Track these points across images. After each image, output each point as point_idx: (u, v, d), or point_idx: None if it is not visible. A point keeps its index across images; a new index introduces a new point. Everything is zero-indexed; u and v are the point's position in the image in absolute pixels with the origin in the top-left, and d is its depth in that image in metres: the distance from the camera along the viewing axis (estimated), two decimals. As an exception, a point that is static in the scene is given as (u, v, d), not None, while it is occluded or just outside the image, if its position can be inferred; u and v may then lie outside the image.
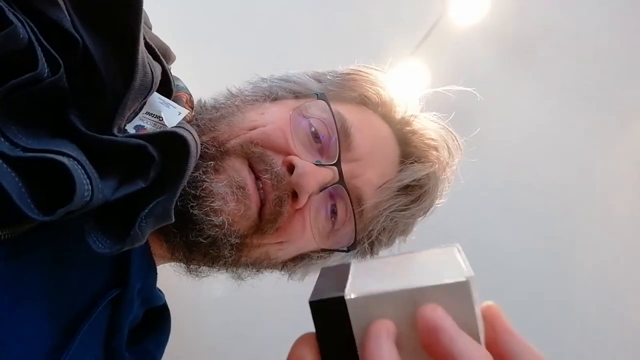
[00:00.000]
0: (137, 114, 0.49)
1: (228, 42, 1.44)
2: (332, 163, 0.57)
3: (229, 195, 0.52)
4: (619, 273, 1.38)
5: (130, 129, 0.48)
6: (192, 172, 0.50)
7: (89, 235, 0.42)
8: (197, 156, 0.49)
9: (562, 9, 1.44)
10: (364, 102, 0.66)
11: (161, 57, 0.51)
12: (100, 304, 0.48)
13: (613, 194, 1.42)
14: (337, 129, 0.58)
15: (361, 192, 0.60)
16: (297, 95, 0.64)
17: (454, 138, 0.68)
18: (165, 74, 0.52)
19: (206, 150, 0.54)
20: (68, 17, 0.42)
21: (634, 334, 1.35)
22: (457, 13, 1.33)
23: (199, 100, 0.64)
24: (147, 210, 0.43)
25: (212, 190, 0.52)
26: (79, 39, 0.42)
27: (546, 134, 1.44)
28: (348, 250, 0.62)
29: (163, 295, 0.58)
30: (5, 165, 0.38)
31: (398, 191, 0.62)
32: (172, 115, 0.50)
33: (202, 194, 0.52)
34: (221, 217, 0.52)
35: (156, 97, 0.50)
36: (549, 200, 1.42)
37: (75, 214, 0.40)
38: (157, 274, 0.55)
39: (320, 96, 0.61)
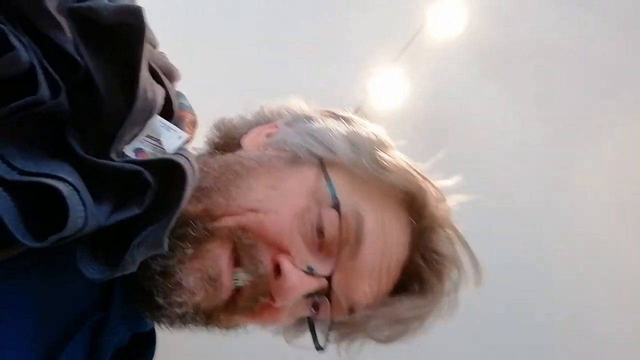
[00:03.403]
0: (136, 136, 0.49)
1: (215, 49, 1.45)
2: (325, 274, 0.53)
3: (198, 289, 0.50)
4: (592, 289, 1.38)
5: (130, 151, 0.48)
6: (166, 259, 0.48)
7: (81, 261, 0.42)
8: (193, 184, 0.48)
9: (538, 22, 1.45)
10: (395, 194, 0.57)
11: (164, 79, 0.51)
12: (83, 327, 0.48)
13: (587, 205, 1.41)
14: (340, 241, 0.53)
15: (353, 303, 0.56)
16: (322, 163, 0.56)
17: (476, 266, 0.60)
18: (168, 96, 0.52)
19: (192, 230, 0.50)
20: (72, 40, 0.42)
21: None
22: (435, 25, 1.36)
23: (221, 124, 0.62)
24: (139, 238, 0.43)
25: (182, 284, 0.49)
26: (82, 62, 0.42)
27: (523, 146, 1.45)
28: (317, 349, 0.58)
29: (151, 322, 0.57)
30: (0, 189, 0.38)
31: (389, 317, 0.58)
32: (172, 139, 0.50)
33: (170, 286, 0.49)
34: (184, 308, 0.50)
35: (157, 120, 0.50)
36: (524, 214, 1.42)
37: (68, 240, 0.40)
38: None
39: (334, 205, 0.53)
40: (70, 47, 0.42)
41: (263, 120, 0.64)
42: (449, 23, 1.36)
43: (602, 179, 1.41)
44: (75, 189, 0.40)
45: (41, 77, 0.39)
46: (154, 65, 0.50)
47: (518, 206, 1.43)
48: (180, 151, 0.49)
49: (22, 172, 0.39)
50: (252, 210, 0.52)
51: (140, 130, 0.49)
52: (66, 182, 0.39)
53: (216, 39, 1.46)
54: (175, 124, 0.53)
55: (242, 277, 0.51)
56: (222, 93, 1.51)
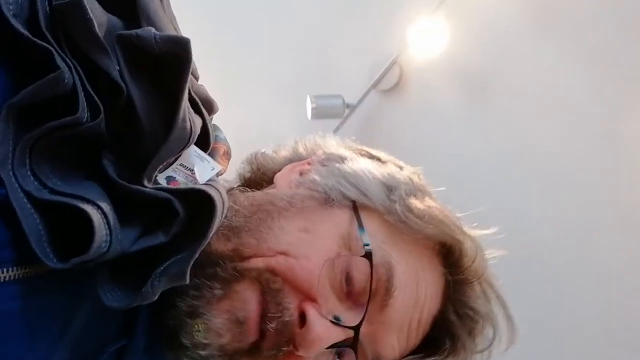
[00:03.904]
0: (170, 164, 0.49)
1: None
2: (352, 325, 0.51)
3: (225, 330, 0.49)
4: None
5: (162, 179, 0.48)
6: (194, 299, 0.48)
7: (101, 287, 0.41)
8: (222, 217, 0.47)
9: None
10: (430, 245, 0.56)
11: (203, 111, 0.52)
12: (106, 352, 0.47)
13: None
14: (370, 294, 0.51)
15: (379, 356, 0.54)
16: (355, 205, 0.55)
17: (510, 322, 0.58)
18: (205, 126, 0.52)
19: (220, 268, 0.49)
20: (117, 65, 0.43)
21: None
22: None
23: (254, 159, 0.61)
24: (162, 268, 0.42)
25: (209, 326, 0.48)
26: (124, 87, 0.43)
27: (563, 106, 1.39)
28: None
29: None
30: (29, 206, 0.38)
31: None
32: (205, 170, 0.50)
33: (197, 328, 0.48)
34: (209, 350, 0.49)
35: (192, 150, 0.50)
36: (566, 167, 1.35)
37: (91, 263, 0.40)
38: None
39: (366, 255, 0.51)
40: (114, 73, 0.42)
41: (296, 156, 0.64)
42: None
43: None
44: (104, 213, 0.39)
45: (82, 99, 0.40)
46: (194, 96, 0.51)
47: (550, 166, 1.39)
48: (212, 182, 0.49)
49: (53, 191, 0.39)
50: (283, 253, 0.51)
51: (175, 158, 0.48)
52: (95, 205, 0.39)
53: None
54: (209, 155, 0.53)
55: (266, 326, 0.50)
56: (268, 44, 1.53)
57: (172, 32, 0.49)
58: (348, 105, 1.49)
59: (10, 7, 0.38)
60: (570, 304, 1.37)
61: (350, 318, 0.51)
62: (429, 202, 0.57)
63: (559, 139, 1.39)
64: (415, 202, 0.55)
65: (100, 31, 0.42)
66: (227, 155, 0.60)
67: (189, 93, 0.48)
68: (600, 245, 1.36)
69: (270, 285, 0.50)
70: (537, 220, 1.37)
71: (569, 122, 1.39)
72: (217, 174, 0.52)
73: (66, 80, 0.39)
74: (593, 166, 1.36)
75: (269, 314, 0.49)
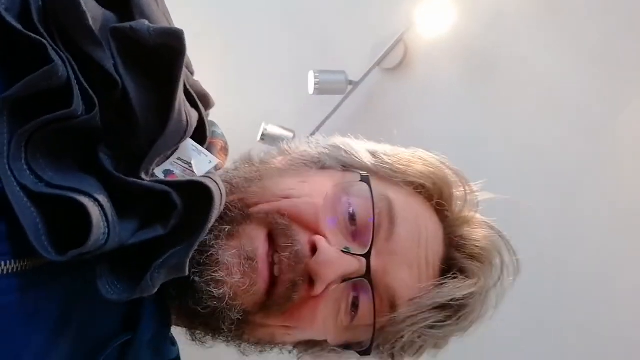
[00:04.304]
0: (167, 158, 0.48)
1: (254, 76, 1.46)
2: (362, 253, 0.52)
3: (235, 266, 0.49)
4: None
5: (159, 172, 0.48)
6: (205, 235, 0.47)
7: (100, 279, 0.41)
8: (220, 209, 0.47)
9: None
10: (419, 190, 0.59)
11: (199, 104, 0.51)
12: (109, 347, 0.47)
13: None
14: (374, 216, 0.53)
15: (394, 293, 0.54)
16: (346, 168, 0.59)
17: (511, 252, 0.60)
18: (202, 120, 0.52)
19: (228, 211, 0.51)
20: (111, 58, 0.43)
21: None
22: None
23: (248, 155, 0.62)
24: (161, 260, 0.42)
25: (218, 259, 0.48)
26: (119, 80, 0.43)
27: (565, 94, 1.38)
28: (361, 355, 0.55)
29: (177, 348, 0.56)
30: (26, 199, 0.38)
31: (433, 307, 0.55)
32: (202, 163, 0.50)
33: (207, 262, 0.48)
34: (222, 290, 0.48)
35: (189, 143, 0.50)
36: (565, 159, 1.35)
37: (89, 256, 0.39)
38: (170, 326, 0.53)
39: (363, 179, 0.55)
40: (109, 65, 0.42)
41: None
42: None
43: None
44: (101, 206, 0.39)
45: (76, 92, 0.40)
46: (190, 90, 0.50)
47: (552, 149, 1.39)
48: (209, 175, 0.49)
49: (49, 185, 0.39)
50: (286, 197, 0.54)
51: (172, 152, 0.48)
52: (92, 198, 0.39)
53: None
54: (207, 150, 0.53)
55: (277, 259, 0.50)
56: (271, 31, 1.53)
57: (166, 24, 0.48)
58: (351, 82, 1.46)
59: (3, 0, 0.38)
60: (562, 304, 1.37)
61: (360, 250, 0.52)
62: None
63: (562, 122, 1.39)
64: (398, 156, 0.60)
65: (94, 24, 0.42)
66: (225, 150, 0.60)
67: (184, 86, 0.48)
68: (593, 236, 1.36)
69: (279, 223, 0.51)
70: (536, 202, 1.36)
71: (571, 105, 1.39)
72: (215, 168, 0.52)
73: (60, 73, 0.39)
74: (594, 149, 1.36)
75: (280, 245, 0.50)
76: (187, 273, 0.44)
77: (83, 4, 0.41)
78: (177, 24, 0.49)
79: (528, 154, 1.39)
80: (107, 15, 0.45)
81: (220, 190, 0.47)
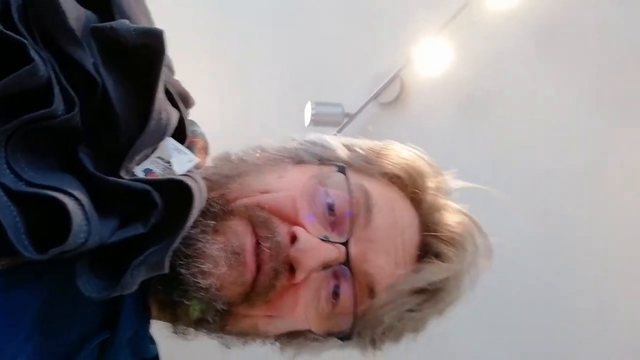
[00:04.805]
0: (148, 157, 0.49)
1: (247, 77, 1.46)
2: (341, 241, 0.53)
3: (222, 259, 0.49)
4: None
5: (139, 171, 0.48)
6: (190, 229, 0.48)
7: (80, 277, 0.41)
8: (200, 208, 0.48)
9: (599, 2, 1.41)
10: (393, 180, 0.61)
11: (179, 104, 0.52)
12: (88, 346, 0.47)
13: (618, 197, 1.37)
14: (352, 205, 0.54)
15: (372, 280, 0.55)
16: (322, 161, 0.61)
17: (484, 236, 0.62)
18: (182, 119, 0.53)
19: (210, 207, 0.51)
20: (91, 58, 0.43)
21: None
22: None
23: (225, 153, 0.62)
24: (141, 258, 0.42)
25: (205, 252, 0.49)
26: (99, 80, 0.43)
27: (563, 130, 1.40)
28: (342, 340, 0.57)
29: (155, 347, 0.56)
30: (5, 198, 0.38)
31: (411, 292, 0.57)
32: (182, 162, 0.50)
33: (194, 254, 0.49)
34: (209, 281, 0.49)
35: (169, 142, 0.50)
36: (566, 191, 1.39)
37: (70, 254, 0.40)
38: (149, 324, 0.53)
39: (340, 169, 0.57)
40: (89, 65, 0.43)
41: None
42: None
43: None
44: (81, 204, 0.39)
45: (56, 91, 0.40)
46: (170, 89, 0.51)
47: (549, 188, 1.41)
48: (190, 173, 0.49)
49: (29, 184, 0.39)
50: (265, 192, 0.55)
51: (152, 151, 0.49)
52: (72, 197, 0.39)
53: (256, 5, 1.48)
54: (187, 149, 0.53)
55: (260, 250, 0.51)
56: (270, 63, 1.54)
57: (146, 24, 0.49)
58: (347, 115, 1.48)
59: None
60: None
61: (338, 238, 0.54)
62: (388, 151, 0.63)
63: (556, 161, 1.41)
64: (373, 148, 0.63)
65: (74, 24, 0.42)
66: (205, 149, 0.60)
67: (165, 86, 0.48)
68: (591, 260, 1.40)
69: (258, 215, 0.52)
70: (532, 236, 1.39)
71: (566, 145, 1.41)
72: (195, 167, 0.53)
73: (41, 73, 0.39)
74: (588, 187, 1.39)
75: (261, 237, 0.51)
76: (166, 270, 0.45)
77: (63, 4, 0.41)
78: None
79: (522, 193, 1.41)
80: (88, 15, 0.45)
81: (200, 189, 0.48)
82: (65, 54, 0.42)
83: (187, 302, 0.50)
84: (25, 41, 0.39)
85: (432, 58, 1.40)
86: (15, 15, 0.39)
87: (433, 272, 0.57)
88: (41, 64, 0.39)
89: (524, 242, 1.37)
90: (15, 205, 0.38)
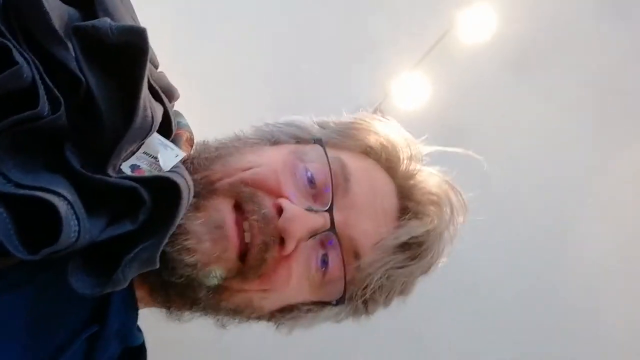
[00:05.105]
0: (134, 153, 0.49)
1: (232, 73, 1.46)
2: (324, 209, 0.56)
3: (204, 234, 0.51)
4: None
5: (126, 168, 0.48)
6: None
7: (72, 275, 0.42)
8: (188, 203, 0.48)
9: (570, 24, 1.44)
10: (367, 152, 0.65)
11: (164, 98, 0.52)
12: (78, 340, 0.48)
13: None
14: (331, 175, 0.57)
15: (357, 244, 0.58)
16: (298, 141, 0.63)
17: (458, 194, 0.66)
18: (167, 114, 0.53)
19: (194, 187, 0.52)
20: (74, 57, 0.43)
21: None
22: (462, 30, 1.36)
23: (204, 141, 0.63)
24: (132, 255, 0.43)
25: (187, 228, 0.50)
26: (83, 79, 0.43)
27: (548, 156, 1.44)
28: (336, 304, 0.59)
29: (142, 335, 0.57)
30: None
31: (395, 248, 0.60)
32: (169, 157, 0.51)
33: (177, 232, 0.49)
34: (194, 257, 0.50)
35: (155, 138, 0.51)
36: (555, 211, 1.42)
37: (61, 253, 0.40)
38: (137, 314, 0.54)
39: (317, 141, 0.61)
40: (72, 64, 0.43)
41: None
42: (476, 28, 1.36)
43: (625, 193, 1.41)
44: (70, 204, 0.40)
45: (42, 92, 0.40)
46: (154, 84, 0.51)
47: (531, 215, 1.44)
48: (176, 169, 0.50)
49: (18, 185, 0.39)
50: (247, 169, 0.56)
51: (138, 147, 0.49)
52: (61, 197, 0.40)
53: (235, 37, 1.47)
54: (172, 142, 0.54)
55: (247, 227, 0.53)
56: (244, 96, 1.54)
57: (129, 22, 0.49)
58: None
59: None
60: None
61: (322, 208, 0.56)
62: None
63: (538, 193, 1.44)
64: (345, 123, 0.66)
65: (57, 23, 0.42)
66: (191, 141, 0.60)
67: (148, 81, 0.48)
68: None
69: (243, 192, 0.54)
70: (520, 266, 1.44)
71: (547, 177, 1.44)
72: (182, 161, 0.53)
73: (25, 75, 0.39)
74: (570, 222, 1.43)
75: (248, 211, 0.53)
76: (157, 266, 0.46)
77: (45, 4, 0.41)
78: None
79: (504, 223, 1.43)
80: (71, 13, 0.45)
81: (187, 185, 0.48)
82: (49, 53, 0.42)
83: (177, 281, 0.51)
84: (8, 44, 0.39)
85: (410, 91, 1.43)
86: (-3, 17, 0.39)
87: (414, 227, 0.60)
88: (25, 66, 0.39)
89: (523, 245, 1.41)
90: (4, 207, 0.38)
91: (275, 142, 0.63)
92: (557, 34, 1.44)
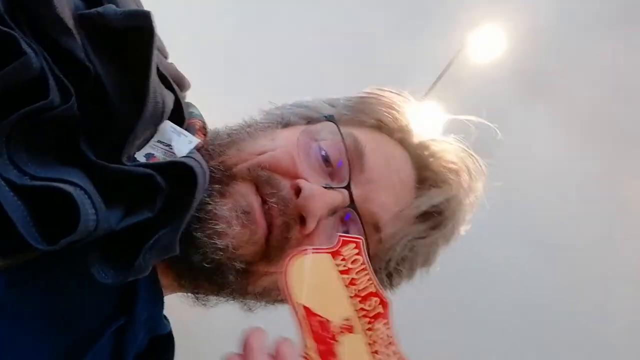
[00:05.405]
0: (148, 141, 0.49)
1: (244, 74, 1.46)
2: (342, 186, 0.56)
3: (233, 219, 0.51)
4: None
5: (141, 157, 0.48)
6: None
7: (93, 265, 0.42)
8: (205, 187, 0.48)
9: (579, 44, 1.42)
10: (379, 126, 0.64)
11: (174, 86, 0.52)
12: (106, 333, 0.47)
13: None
14: (346, 151, 0.57)
15: (377, 217, 0.57)
16: (309, 121, 0.63)
17: (475, 161, 0.66)
18: (178, 102, 0.52)
19: (212, 174, 0.53)
20: (81, 46, 0.43)
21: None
22: (474, 50, 1.35)
23: (214, 129, 0.63)
24: (152, 242, 0.43)
25: (217, 214, 0.51)
26: (91, 68, 0.43)
27: (564, 170, 1.43)
28: None
29: (169, 323, 0.57)
30: (12, 193, 0.38)
31: (415, 218, 0.60)
32: (182, 144, 0.50)
33: (206, 217, 0.50)
34: (225, 241, 0.50)
35: (168, 126, 0.50)
36: (569, 234, 1.39)
37: (80, 243, 0.40)
38: (163, 303, 0.54)
39: (328, 118, 0.60)
40: (80, 53, 0.42)
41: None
42: (486, 49, 1.36)
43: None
44: (87, 193, 0.40)
45: (52, 83, 0.40)
46: (163, 72, 0.50)
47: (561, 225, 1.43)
48: (191, 155, 0.49)
49: (34, 177, 0.39)
50: (261, 153, 0.56)
51: (152, 135, 0.49)
52: (77, 186, 0.39)
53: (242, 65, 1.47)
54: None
55: (266, 209, 0.53)
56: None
57: (133, 7, 0.48)
58: None
59: None
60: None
61: (339, 185, 0.56)
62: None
63: (560, 199, 1.44)
64: (354, 100, 0.66)
65: (63, 13, 0.42)
66: (203, 129, 0.60)
67: (158, 69, 0.48)
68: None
69: (261, 176, 0.54)
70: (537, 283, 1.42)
71: (568, 182, 1.44)
72: (196, 148, 0.53)
73: (34, 65, 0.39)
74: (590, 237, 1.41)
75: (267, 194, 0.53)
76: (177, 252, 0.45)
77: None
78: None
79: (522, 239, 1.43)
80: (77, 3, 0.44)
81: (203, 169, 0.48)
82: (56, 43, 0.41)
83: (208, 265, 0.51)
84: (15, 33, 0.38)
85: (424, 120, 1.42)
86: (2, 7, 0.39)
87: (433, 195, 0.60)
88: (33, 56, 0.39)
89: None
90: (21, 200, 0.38)
91: (286, 124, 0.63)
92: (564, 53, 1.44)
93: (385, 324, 0.45)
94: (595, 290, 1.40)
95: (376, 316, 0.45)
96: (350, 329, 0.43)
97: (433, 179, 0.62)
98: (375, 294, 0.45)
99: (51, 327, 0.44)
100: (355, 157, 0.57)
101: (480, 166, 0.65)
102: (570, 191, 1.43)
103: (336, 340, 0.42)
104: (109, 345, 0.48)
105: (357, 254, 0.46)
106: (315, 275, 0.43)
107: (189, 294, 0.58)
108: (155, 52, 0.45)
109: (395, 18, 1.45)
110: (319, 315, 0.42)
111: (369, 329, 0.44)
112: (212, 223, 0.50)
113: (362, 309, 0.44)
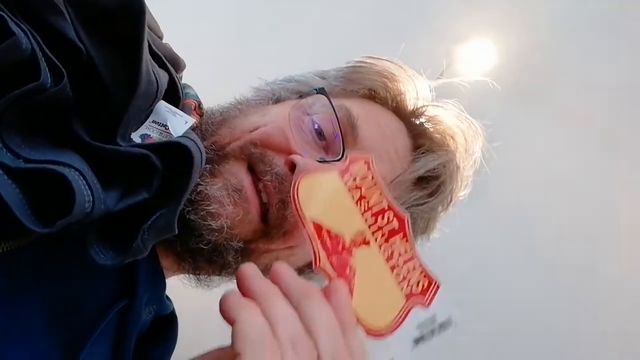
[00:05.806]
0: (143, 122, 0.48)
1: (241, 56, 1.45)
2: (337, 159, 0.54)
3: (225, 198, 0.51)
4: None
5: (136, 137, 0.48)
6: None
7: (91, 247, 0.42)
8: (201, 167, 0.48)
9: (568, 57, 1.42)
10: (372, 96, 0.63)
11: (168, 65, 0.51)
12: (108, 315, 0.48)
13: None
14: (339, 123, 0.56)
15: None
16: (300, 95, 0.62)
17: (470, 124, 0.65)
18: (173, 82, 0.52)
19: (206, 154, 0.52)
20: (72, 25, 0.42)
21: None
22: (463, 64, 1.37)
23: (207, 109, 0.62)
24: (149, 223, 0.43)
25: (208, 194, 0.50)
26: (82, 48, 0.42)
27: (559, 178, 1.44)
28: None
29: (171, 303, 0.57)
30: (5, 177, 0.38)
31: (413, 185, 0.60)
32: (178, 124, 0.50)
33: (198, 198, 0.50)
34: (219, 221, 0.50)
35: (163, 106, 0.50)
36: (564, 245, 1.41)
37: (77, 225, 0.40)
38: (165, 283, 0.54)
39: (319, 91, 0.59)
40: (71, 33, 0.42)
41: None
42: (475, 64, 1.37)
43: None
44: (81, 174, 0.39)
45: (43, 64, 0.39)
46: (157, 51, 0.50)
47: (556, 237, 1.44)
48: (187, 134, 0.49)
49: (27, 160, 0.39)
50: (253, 129, 0.56)
51: (146, 115, 0.48)
52: (71, 168, 0.39)
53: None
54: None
55: (262, 187, 0.53)
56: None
57: None
58: None
59: None
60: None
61: (334, 158, 0.55)
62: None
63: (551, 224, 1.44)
64: (345, 70, 0.64)
65: None
66: (199, 109, 0.60)
67: (150, 47, 0.47)
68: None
69: (254, 153, 0.54)
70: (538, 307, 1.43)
71: (569, 191, 1.43)
72: (192, 127, 0.52)
73: (24, 46, 0.38)
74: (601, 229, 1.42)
75: (261, 172, 0.53)
76: (176, 231, 0.45)
77: None
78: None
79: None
80: None
81: (199, 148, 0.47)
82: (46, 23, 0.41)
83: (205, 247, 0.51)
84: (3, 14, 0.38)
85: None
86: (-11, -12, 0.38)
87: (429, 160, 0.60)
88: (23, 37, 0.38)
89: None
90: (16, 183, 0.38)
91: (277, 99, 0.62)
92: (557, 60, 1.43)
93: (402, 238, 0.44)
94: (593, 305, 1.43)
95: (392, 232, 0.44)
96: (364, 242, 0.43)
97: (429, 145, 0.61)
98: (389, 209, 0.45)
99: (53, 310, 0.44)
100: (348, 129, 0.57)
101: (476, 128, 0.65)
102: (562, 206, 1.44)
103: (350, 254, 0.42)
104: (111, 325, 0.48)
105: (367, 170, 0.45)
106: (324, 192, 0.43)
107: (191, 275, 0.58)
108: (147, 30, 0.45)
109: (382, 32, 1.44)
110: (331, 230, 0.41)
111: (385, 243, 0.44)
112: (204, 204, 0.50)
113: (375, 224, 0.44)
